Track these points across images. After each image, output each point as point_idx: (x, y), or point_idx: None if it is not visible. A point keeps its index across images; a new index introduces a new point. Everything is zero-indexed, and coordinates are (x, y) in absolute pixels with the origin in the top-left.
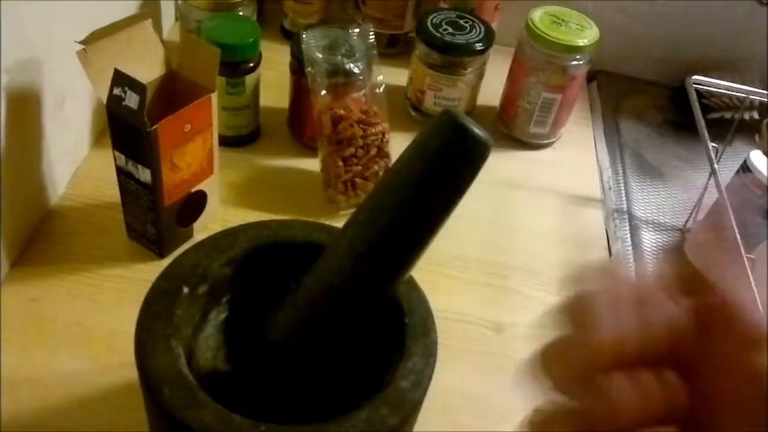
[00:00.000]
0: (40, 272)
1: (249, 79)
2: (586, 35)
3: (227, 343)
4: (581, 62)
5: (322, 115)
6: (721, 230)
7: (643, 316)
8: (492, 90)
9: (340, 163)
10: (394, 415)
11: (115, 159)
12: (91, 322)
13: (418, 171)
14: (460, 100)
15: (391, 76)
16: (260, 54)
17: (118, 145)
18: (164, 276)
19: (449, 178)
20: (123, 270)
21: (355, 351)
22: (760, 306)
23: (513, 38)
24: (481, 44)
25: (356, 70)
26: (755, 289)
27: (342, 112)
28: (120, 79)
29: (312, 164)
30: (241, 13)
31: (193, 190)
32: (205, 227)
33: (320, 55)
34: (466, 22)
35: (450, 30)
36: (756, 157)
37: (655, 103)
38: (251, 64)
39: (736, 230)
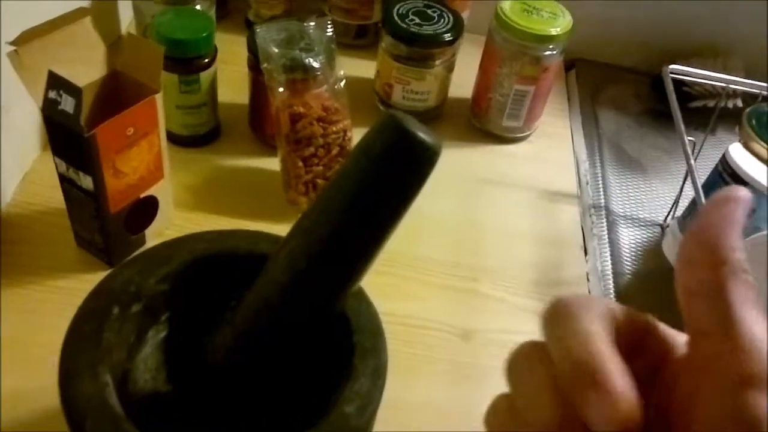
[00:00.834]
0: None
1: (204, 75)
2: (559, 24)
3: (168, 363)
4: (554, 52)
5: (280, 113)
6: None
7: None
8: (465, 81)
9: (300, 164)
10: None
11: (56, 165)
12: (31, 338)
13: (360, 179)
14: (429, 94)
15: (360, 68)
16: (215, 49)
17: (58, 150)
18: (93, 295)
19: (393, 185)
20: (70, 281)
21: (300, 371)
22: None
23: (486, 27)
24: (449, 35)
25: (316, 65)
26: None
27: (301, 109)
28: (55, 81)
29: (274, 164)
30: (198, 7)
31: (142, 195)
32: (159, 233)
33: (276, 50)
34: (434, 12)
35: (417, 20)
36: (735, 150)
37: (636, 92)
38: (206, 60)
39: None
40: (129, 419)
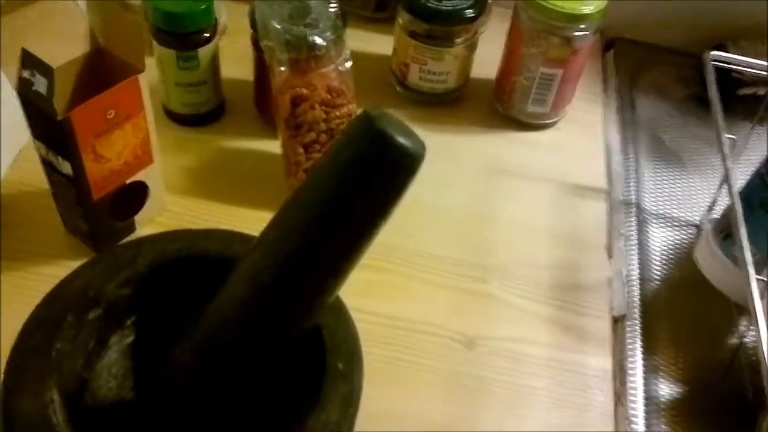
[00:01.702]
0: None
1: (203, 51)
2: (592, 1)
3: (136, 369)
4: (586, 32)
5: (280, 95)
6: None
7: None
8: (491, 61)
9: (301, 150)
10: None
11: (36, 148)
12: (7, 328)
13: (330, 187)
14: (448, 74)
15: (379, 44)
16: (216, 23)
17: (36, 133)
18: (47, 302)
19: (366, 195)
20: (57, 268)
21: (266, 392)
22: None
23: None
24: (471, 11)
25: (321, 42)
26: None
27: (304, 91)
28: (28, 60)
29: (279, 147)
30: None
31: (129, 181)
32: (151, 220)
33: (278, 26)
34: None
35: None
36: None
37: (680, 76)
38: (205, 35)
39: (746, 246)
40: None
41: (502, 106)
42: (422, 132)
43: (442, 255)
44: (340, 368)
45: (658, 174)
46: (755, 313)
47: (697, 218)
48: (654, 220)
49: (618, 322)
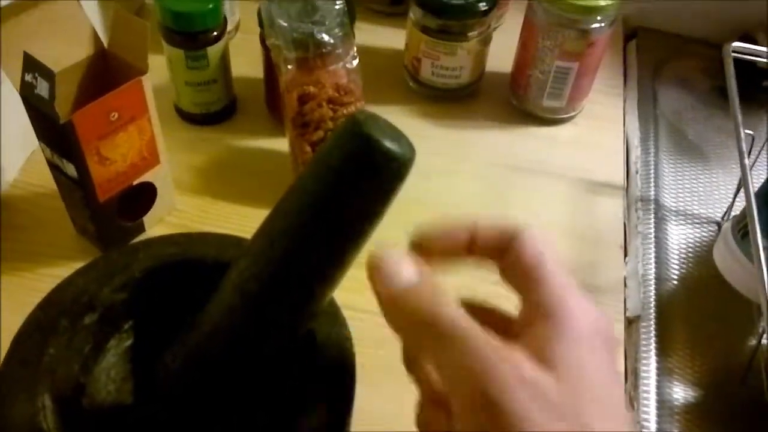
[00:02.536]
0: None
1: (212, 50)
2: None
3: (135, 373)
4: (602, 24)
5: (288, 94)
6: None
7: None
8: (507, 53)
9: (308, 149)
10: None
11: (42, 150)
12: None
13: (315, 192)
14: (462, 69)
15: (395, 39)
16: (225, 22)
17: (41, 135)
18: (42, 306)
19: (352, 200)
20: (67, 270)
21: (259, 396)
22: None
23: None
24: (484, 4)
25: (329, 40)
26: None
27: (311, 89)
28: (29, 64)
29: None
30: None
31: (136, 182)
32: (160, 220)
33: (285, 24)
34: None
35: None
36: None
37: (704, 67)
38: (214, 34)
39: (761, 245)
40: None
41: (517, 100)
42: (435, 128)
43: None
44: (333, 382)
45: (679, 169)
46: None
47: (719, 215)
48: (673, 218)
49: (632, 323)
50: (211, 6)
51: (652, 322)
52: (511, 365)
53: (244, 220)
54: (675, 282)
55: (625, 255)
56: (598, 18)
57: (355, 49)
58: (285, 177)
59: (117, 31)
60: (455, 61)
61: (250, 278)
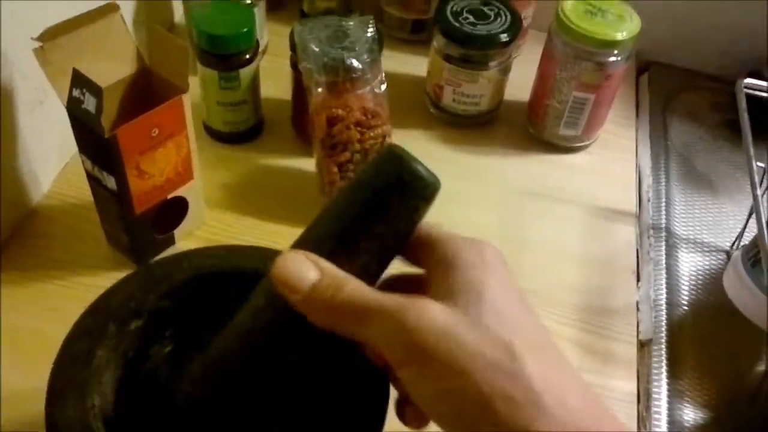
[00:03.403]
0: (7, 276)
1: (244, 72)
2: (625, 27)
3: (171, 379)
4: (619, 58)
5: (317, 116)
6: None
7: None
8: (526, 84)
9: (335, 169)
10: None
11: (82, 162)
12: (51, 334)
13: (346, 204)
14: (482, 97)
15: (415, 66)
16: (257, 45)
17: (83, 148)
18: (91, 311)
19: (380, 211)
20: (97, 279)
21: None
22: None
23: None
24: (505, 35)
25: (358, 65)
26: None
27: (340, 112)
28: (78, 79)
29: (314, 166)
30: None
31: (170, 196)
32: (189, 233)
33: (316, 49)
34: (491, 10)
35: (471, 19)
36: None
37: (714, 101)
38: (247, 56)
39: None
40: None
41: (534, 128)
42: (454, 153)
43: None
44: (362, 382)
45: (689, 199)
46: None
47: (727, 244)
48: (684, 245)
49: (644, 346)
50: (245, 30)
51: (663, 346)
52: (419, 310)
53: (270, 236)
54: (685, 307)
55: (638, 280)
56: (615, 52)
57: (383, 74)
58: (309, 195)
59: (157, 50)
60: (476, 88)
61: None
